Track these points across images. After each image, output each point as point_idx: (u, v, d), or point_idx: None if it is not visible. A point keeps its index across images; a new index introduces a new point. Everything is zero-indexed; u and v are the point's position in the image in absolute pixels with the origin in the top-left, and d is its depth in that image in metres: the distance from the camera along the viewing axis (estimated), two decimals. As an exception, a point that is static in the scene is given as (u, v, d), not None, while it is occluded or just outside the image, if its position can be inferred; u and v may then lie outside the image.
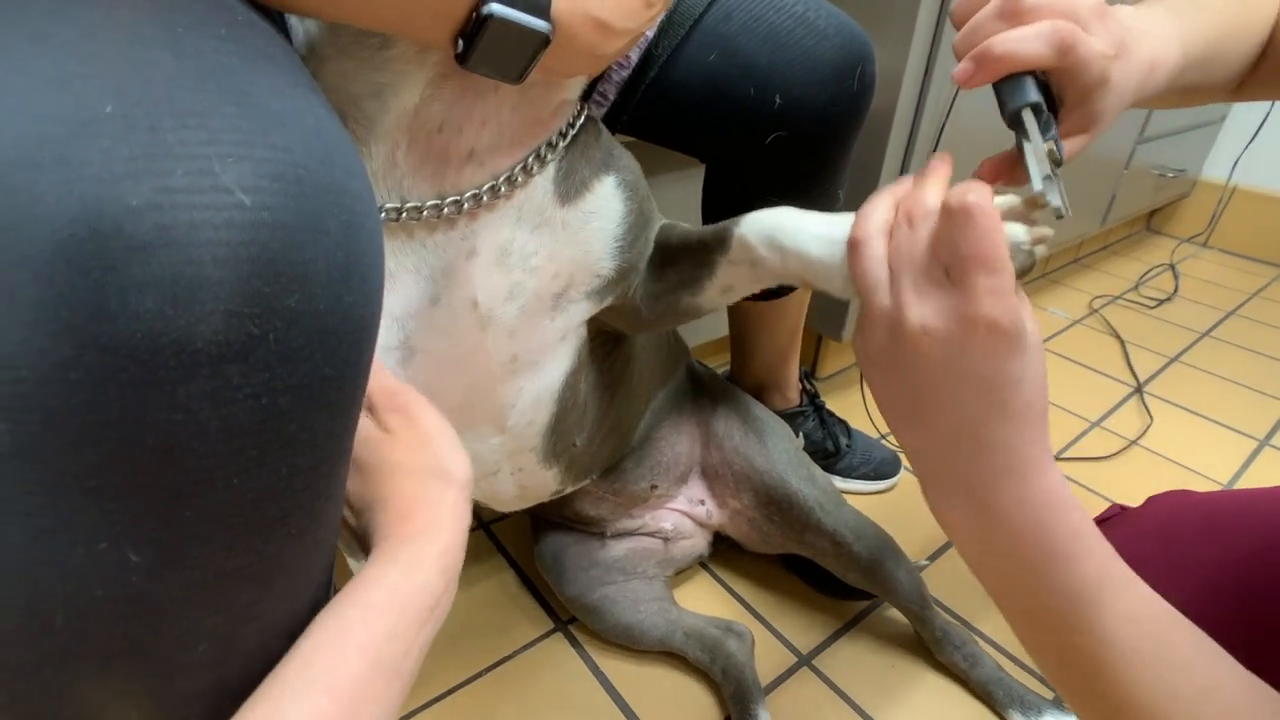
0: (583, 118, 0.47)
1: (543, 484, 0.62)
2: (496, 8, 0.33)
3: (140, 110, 0.21)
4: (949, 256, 0.35)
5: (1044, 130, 0.40)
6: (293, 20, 0.39)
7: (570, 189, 0.47)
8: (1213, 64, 0.51)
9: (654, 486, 0.74)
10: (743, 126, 0.61)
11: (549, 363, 0.52)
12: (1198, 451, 1.11)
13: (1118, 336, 1.43)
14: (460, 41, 0.34)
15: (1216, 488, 1.03)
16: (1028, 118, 0.39)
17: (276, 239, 0.22)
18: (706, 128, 0.62)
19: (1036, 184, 0.39)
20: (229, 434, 0.23)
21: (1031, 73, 0.40)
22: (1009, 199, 0.40)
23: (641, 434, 0.72)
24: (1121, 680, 0.35)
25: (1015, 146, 0.41)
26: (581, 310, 0.51)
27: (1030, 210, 0.39)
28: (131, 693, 0.27)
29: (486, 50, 0.34)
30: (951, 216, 0.35)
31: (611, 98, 0.62)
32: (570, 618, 0.77)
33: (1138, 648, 0.35)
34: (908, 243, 0.37)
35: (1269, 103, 1.75)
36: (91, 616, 0.24)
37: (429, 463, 0.35)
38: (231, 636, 0.28)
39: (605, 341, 0.59)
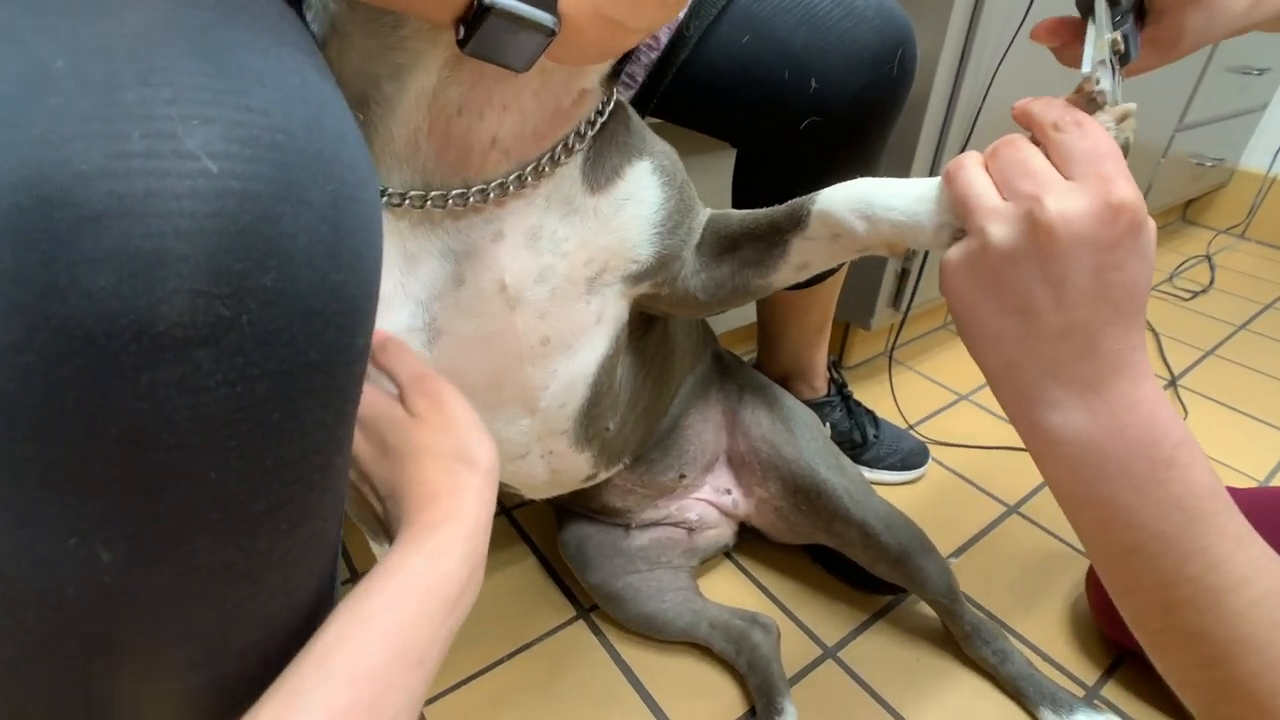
0: (612, 104, 0.44)
1: (575, 468, 0.59)
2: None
3: (96, 65, 0.18)
4: (1066, 158, 0.35)
5: (1116, 25, 0.39)
6: None
7: (600, 177, 0.44)
8: None
9: (682, 476, 0.71)
10: (776, 111, 0.56)
11: (584, 346, 0.49)
12: (1233, 447, 1.03)
13: (1152, 329, 1.35)
14: (462, 27, 0.31)
15: (1253, 484, 0.96)
16: (1100, 5, 0.39)
17: (248, 210, 0.19)
18: (739, 112, 0.58)
19: (1087, 65, 0.38)
20: (202, 424, 0.20)
21: None
22: (1067, 97, 0.39)
23: (670, 420, 0.68)
24: (1231, 616, 0.33)
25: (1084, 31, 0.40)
26: (617, 294, 0.48)
27: (1087, 104, 0.38)
28: (117, 693, 0.24)
29: (486, 39, 0.31)
30: (1062, 125, 0.35)
31: (640, 79, 0.57)
32: (593, 605, 0.74)
33: (1247, 577, 0.33)
34: (1015, 157, 0.36)
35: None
36: (66, 615, 0.22)
37: (454, 448, 0.33)
38: (223, 635, 0.25)
39: (641, 324, 0.56)
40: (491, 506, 0.33)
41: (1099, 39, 0.38)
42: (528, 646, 0.70)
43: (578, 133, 0.42)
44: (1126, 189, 0.33)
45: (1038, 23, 0.43)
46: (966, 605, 0.68)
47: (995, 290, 0.36)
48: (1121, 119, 0.38)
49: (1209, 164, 1.65)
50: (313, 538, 0.26)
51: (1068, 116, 0.36)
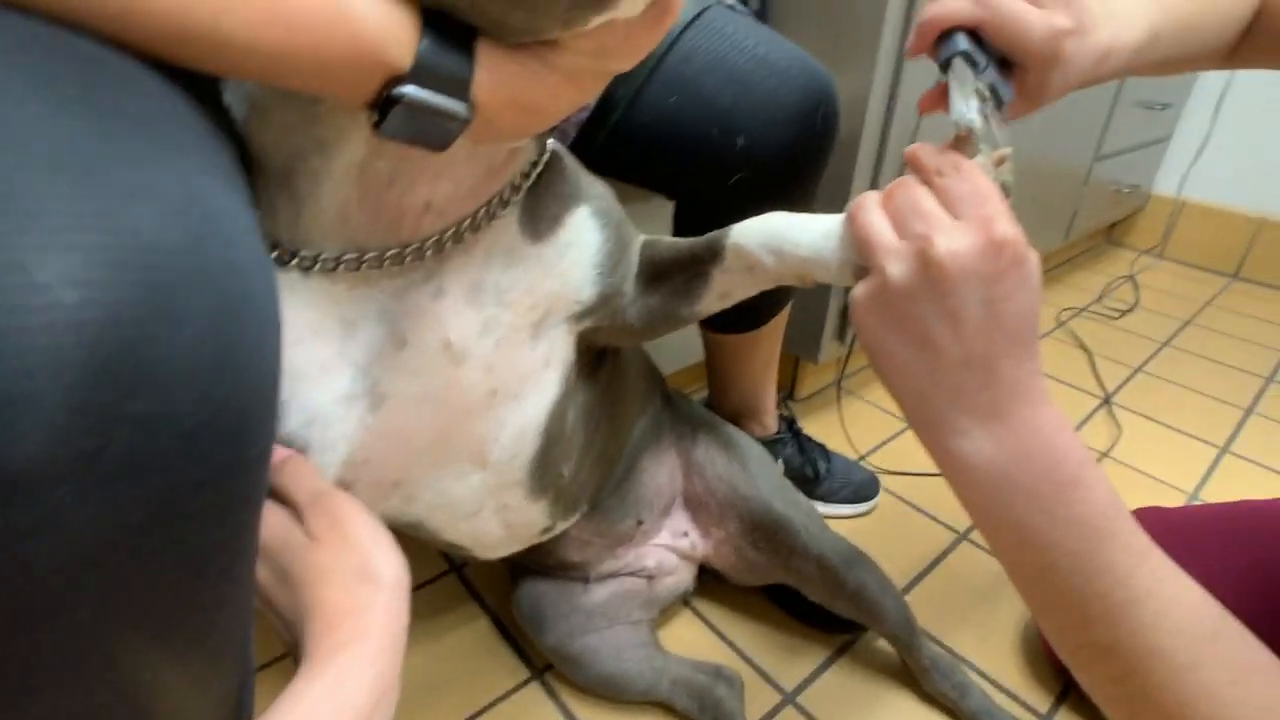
0: (546, 154, 0.44)
1: (531, 521, 0.57)
2: (410, 90, 0.29)
3: (-66, 194, 0.16)
4: (951, 199, 0.37)
5: (978, 75, 0.42)
6: None
7: (540, 226, 0.43)
8: (1191, 35, 0.50)
9: (640, 522, 0.69)
10: (707, 167, 0.57)
11: (533, 392, 0.48)
12: (1164, 461, 1.06)
13: (1085, 349, 1.39)
14: (374, 112, 0.31)
15: (1183, 496, 0.99)
16: (957, 63, 0.42)
17: (113, 338, 0.18)
18: (672, 168, 0.58)
19: (953, 114, 0.41)
20: (63, 564, 0.18)
21: (963, 32, 0.42)
22: (947, 142, 0.42)
23: (625, 466, 0.67)
24: (1138, 628, 0.34)
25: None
26: (563, 334, 0.47)
27: (966, 148, 0.40)
28: None
29: (399, 125, 0.31)
30: (944, 170, 0.37)
31: (572, 135, 0.57)
32: (547, 665, 0.71)
33: (1151, 590, 0.34)
34: (907, 199, 0.38)
35: (1211, 122, 1.73)
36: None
37: (355, 566, 0.31)
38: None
39: (590, 364, 0.54)
40: (402, 621, 0.31)
41: (963, 89, 0.41)
42: (480, 713, 0.67)
43: (513, 185, 0.41)
44: (1007, 226, 0.35)
45: (921, 98, 0.46)
46: (924, 639, 0.67)
47: (899, 325, 0.38)
48: (999, 163, 0.40)
49: (1126, 190, 1.73)
50: (209, 660, 0.24)
51: (948, 162, 0.37)
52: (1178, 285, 1.75)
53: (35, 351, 0.16)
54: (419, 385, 0.42)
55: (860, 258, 0.40)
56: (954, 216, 0.36)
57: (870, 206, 0.39)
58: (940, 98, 0.45)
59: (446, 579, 0.81)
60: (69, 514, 0.18)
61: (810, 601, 0.70)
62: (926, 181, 0.38)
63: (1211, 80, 1.72)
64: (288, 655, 0.33)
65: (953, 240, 0.35)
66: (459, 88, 0.31)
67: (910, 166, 0.40)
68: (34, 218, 0.17)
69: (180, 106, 0.25)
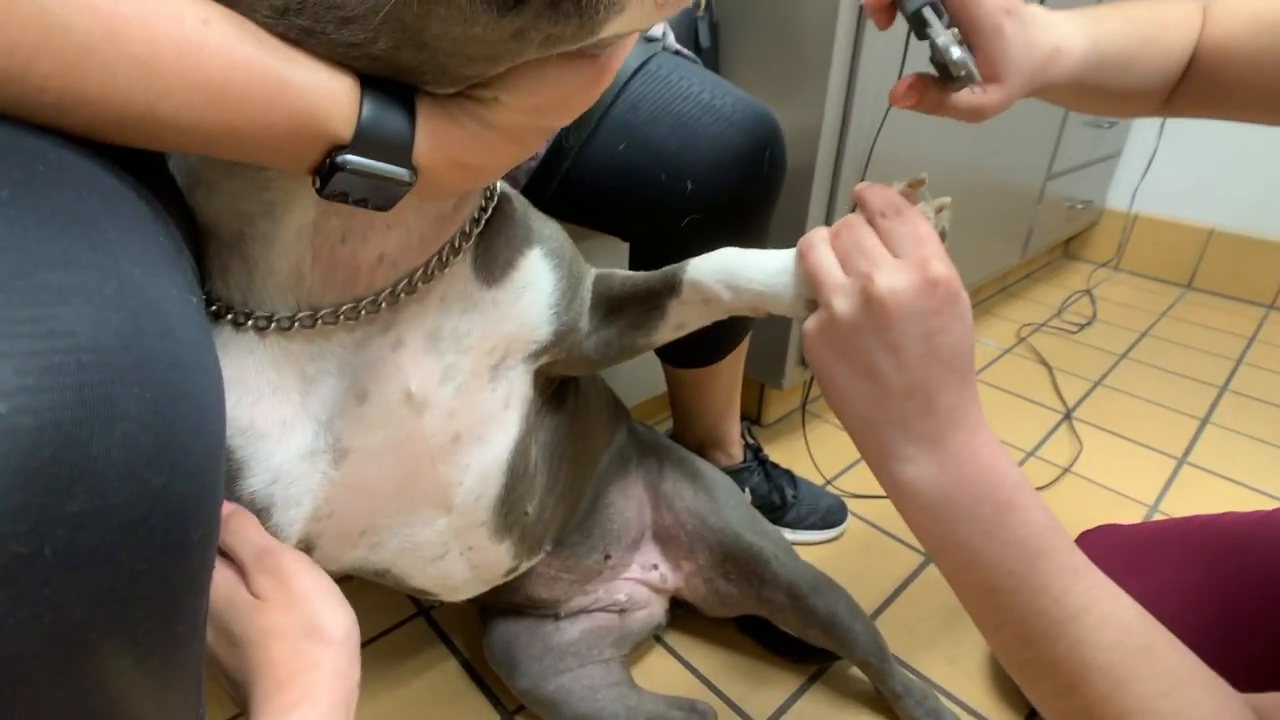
0: (495, 200, 0.45)
1: (496, 561, 0.57)
2: (351, 159, 0.30)
3: None
4: (891, 240, 0.40)
5: (945, 25, 0.44)
6: None
7: (494, 270, 0.44)
8: (1131, 69, 0.54)
9: (607, 556, 0.70)
10: (659, 210, 0.58)
11: (495, 433, 0.48)
12: (1125, 474, 1.09)
13: (1045, 364, 1.43)
14: (317, 178, 0.31)
15: (1143, 509, 1.02)
16: (928, 13, 0.44)
17: (47, 442, 0.18)
18: (623, 212, 0.59)
19: (955, 54, 0.43)
20: (3, 665, 0.19)
21: None
22: (897, 185, 0.44)
23: (590, 499, 0.67)
24: (1076, 644, 0.36)
25: (930, 47, 0.44)
26: (522, 373, 0.48)
27: (914, 189, 0.43)
28: None
29: (344, 190, 0.31)
30: (885, 212, 0.40)
31: (522, 183, 0.59)
32: (518, 707, 0.71)
33: (1086, 606, 0.36)
34: (852, 239, 0.41)
35: (1157, 138, 1.80)
36: None
37: (302, 625, 0.31)
38: None
39: (551, 401, 0.55)
40: (352, 678, 0.31)
41: (939, 34, 0.43)
42: (451, 761, 0.67)
43: (463, 233, 0.42)
44: (941, 266, 0.38)
45: (894, 89, 0.48)
46: (896, 665, 0.68)
47: (846, 356, 0.40)
48: (939, 210, 0.43)
49: (1079, 206, 1.78)
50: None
51: (890, 204, 0.41)
52: (1134, 297, 1.80)
53: (-36, 464, 0.17)
54: (381, 437, 0.43)
55: (811, 293, 0.42)
56: (895, 255, 0.39)
57: (819, 244, 0.42)
58: (911, 91, 0.47)
59: (414, 622, 0.81)
60: (4, 618, 0.18)
61: (781, 631, 0.70)
62: (870, 221, 0.41)
63: (1155, 99, 1.79)
64: (240, 716, 0.33)
65: (892, 278, 0.38)
66: (401, 153, 0.31)
67: (858, 205, 0.42)
68: (-37, 332, 0.18)
69: (117, 193, 0.26)
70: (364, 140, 0.30)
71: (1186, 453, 1.16)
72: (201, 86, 0.26)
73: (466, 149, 0.33)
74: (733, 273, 0.47)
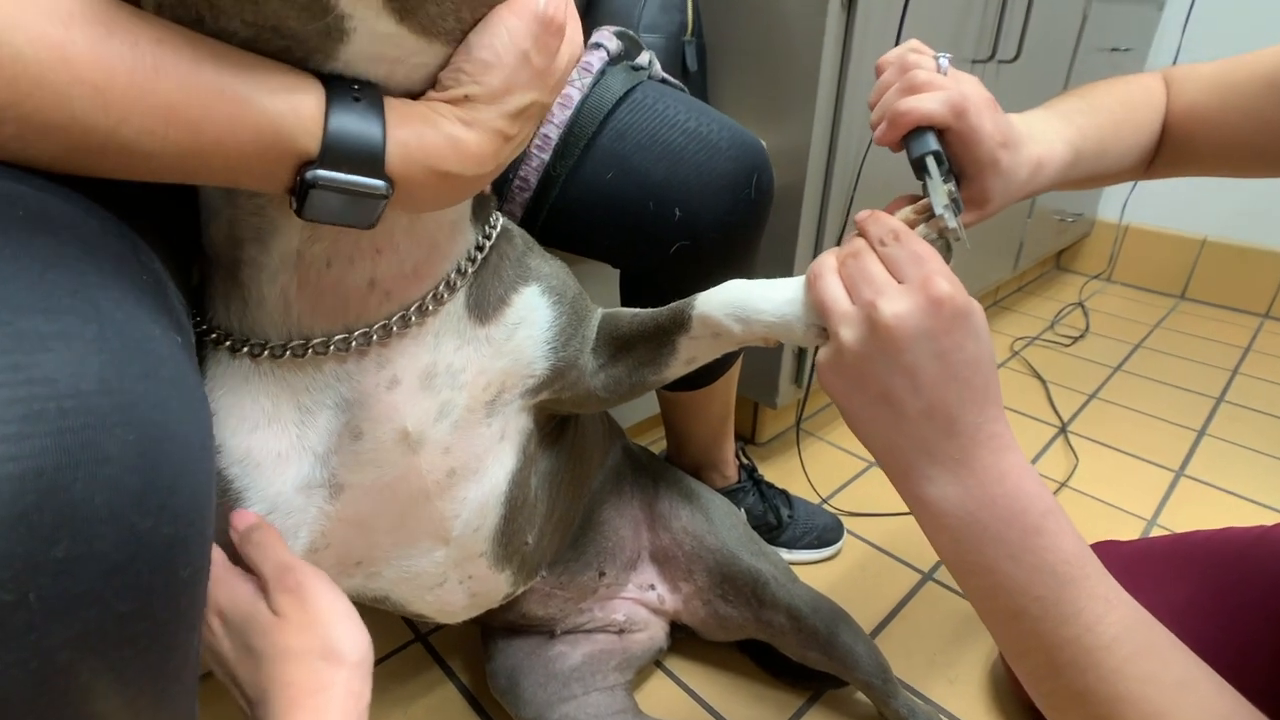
0: (494, 236, 0.46)
1: (495, 589, 0.58)
2: (322, 174, 0.30)
3: None
4: (893, 265, 0.40)
5: (944, 177, 0.46)
6: None
7: (487, 309, 0.45)
8: (1106, 156, 0.57)
9: (602, 574, 0.70)
10: (647, 239, 0.59)
11: (492, 466, 0.49)
12: (1122, 488, 1.10)
13: (1039, 377, 1.44)
14: (293, 198, 0.32)
15: (1142, 523, 1.03)
16: (930, 162, 0.46)
17: (30, 489, 0.19)
18: (612, 240, 0.61)
19: (939, 209, 0.45)
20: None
21: (933, 131, 0.47)
22: (904, 213, 0.46)
23: (583, 517, 0.68)
24: (1108, 674, 0.35)
25: (922, 189, 0.47)
26: (517, 409, 0.49)
27: (920, 215, 0.45)
28: None
29: (319, 208, 0.31)
30: (884, 239, 0.41)
31: (518, 215, 0.60)
32: (517, 734, 0.71)
33: (1119, 636, 0.36)
34: (858, 267, 0.41)
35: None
36: None
37: (317, 645, 0.33)
38: None
39: (552, 431, 0.56)
40: (364, 700, 0.32)
41: (937, 190, 0.46)
42: (448, 794, 0.67)
43: (458, 270, 0.43)
44: (944, 285, 0.38)
45: (890, 205, 0.49)
46: (899, 686, 0.69)
47: (860, 384, 0.41)
48: (940, 233, 0.45)
49: (1070, 219, 1.81)
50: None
51: (889, 231, 0.41)
52: (1126, 309, 1.82)
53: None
54: (376, 474, 0.43)
55: (821, 321, 0.43)
56: (899, 281, 0.40)
57: (826, 274, 0.43)
58: (907, 203, 0.48)
59: (412, 648, 0.81)
60: None
61: (783, 655, 0.71)
62: (873, 249, 0.42)
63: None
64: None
65: (895, 304, 0.38)
66: (373, 164, 0.31)
67: (862, 233, 0.43)
68: (-47, 384, 0.18)
69: (96, 235, 0.27)
70: (332, 153, 0.30)
71: (1184, 465, 1.17)
72: (161, 108, 0.26)
73: (444, 156, 0.33)
74: (742, 305, 0.47)
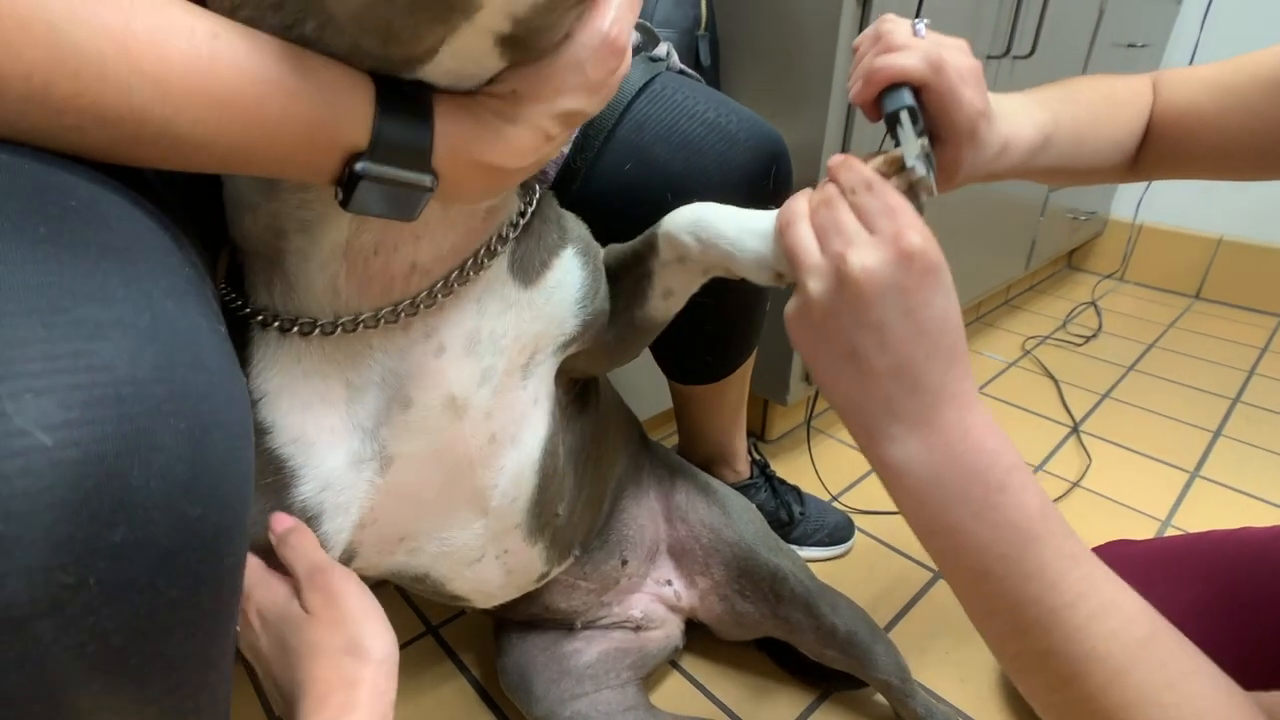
0: (534, 204, 0.46)
1: (529, 564, 0.58)
2: (371, 167, 0.31)
3: (-80, 351, 0.18)
4: (865, 215, 0.39)
5: (918, 133, 0.45)
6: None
7: (530, 272, 0.46)
8: (1083, 147, 0.57)
9: (624, 562, 0.70)
10: (664, 228, 0.59)
11: (526, 432, 0.49)
12: (1135, 488, 1.10)
13: (1051, 376, 1.43)
14: (339, 190, 0.32)
15: (1155, 524, 1.02)
16: (904, 115, 0.45)
17: (90, 474, 0.19)
18: (631, 231, 0.60)
19: (910, 160, 0.43)
20: (46, 692, 0.20)
21: (908, 88, 0.46)
22: (875, 163, 0.44)
23: (608, 504, 0.68)
24: (1073, 632, 0.35)
25: (895, 144, 0.46)
26: (549, 368, 0.50)
27: (890, 166, 0.44)
28: None
29: (364, 200, 0.32)
30: (856, 189, 0.40)
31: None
32: (529, 728, 0.72)
33: (1084, 593, 0.35)
34: (828, 215, 0.40)
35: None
36: None
37: (345, 642, 0.34)
38: None
39: (575, 401, 0.56)
40: (389, 696, 0.33)
41: (910, 144, 0.44)
42: (460, 786, 0.67)
43: (499, 236, 0.43)
44: (916, 238, 0.37)
45: (854, 94, 0.49)
46: (918, 686, 0.68)
47: (826, 339, 0.40)
48: (910, 186, 0.44)
49: (1083, 218, 1.80)
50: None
51: (862, 180, 0.40)
52: (1140, 308, 1.82)
53: (15, 497, 0.18)
54: (425, 442, 0.44)
55: (791, 273, 0.42)
56: (871, 231, 0.38)
57: (797, 220, 0.42)
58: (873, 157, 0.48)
59: (423, 640, 0.82)
60: (49, 646, 0.19)
61: (799, 653, 0.70)
62: (844, 196, 0.41)
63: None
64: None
65: (865, 256, 0.37)
66: (420, 158, 0.32)
67: (831, 179, 0.42)
68: (9, 364, 0.19)
69: (144, 226, 0.27)
70: (381, 146, 0.31)
71: (1199, 466, 1.16)
72: (215, 100, 0.27)
73: (490, 149, 0.34)
74: (703, 223, 0.47)
